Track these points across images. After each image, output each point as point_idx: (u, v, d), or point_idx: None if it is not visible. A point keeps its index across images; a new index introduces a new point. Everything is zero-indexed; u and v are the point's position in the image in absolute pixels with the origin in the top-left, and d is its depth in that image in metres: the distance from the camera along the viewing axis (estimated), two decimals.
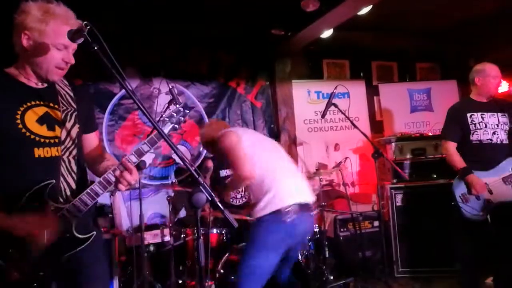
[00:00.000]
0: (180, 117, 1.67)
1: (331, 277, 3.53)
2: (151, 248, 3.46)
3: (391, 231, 4.04)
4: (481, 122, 3.07)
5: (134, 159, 1.56)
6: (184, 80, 4.48)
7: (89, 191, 1.53)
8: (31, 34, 1.53)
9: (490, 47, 4.66)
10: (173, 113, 1.67)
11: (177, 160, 4.22)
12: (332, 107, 3.70)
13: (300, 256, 3.30)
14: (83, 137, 1.74)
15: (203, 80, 4.57)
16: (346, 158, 4.29)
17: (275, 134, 4.90)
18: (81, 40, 1.47)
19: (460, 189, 3.05)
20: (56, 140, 1.59)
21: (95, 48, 1.43)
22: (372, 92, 5.30)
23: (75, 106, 1.68)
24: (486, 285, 3.37)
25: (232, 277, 2.89)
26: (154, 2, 3.65)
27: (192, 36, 4.41)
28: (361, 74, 5.31)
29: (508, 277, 3.02)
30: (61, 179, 1.57)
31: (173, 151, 1.56)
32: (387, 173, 4.44)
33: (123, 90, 3.90)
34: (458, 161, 3.06)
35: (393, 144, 4.31)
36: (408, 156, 4.26)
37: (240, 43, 4.60)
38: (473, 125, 3.08)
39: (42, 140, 1.56)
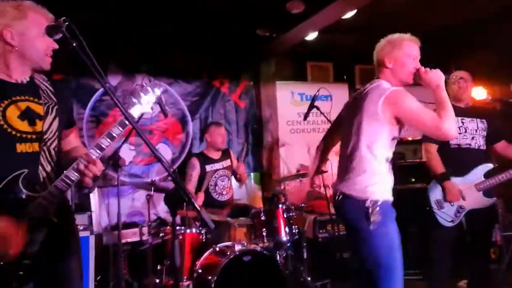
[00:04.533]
0: (151, 102, 1.69)
1: (309, 278, 3.56)
2: (129, 246, 3.43)
3: None
4: (461, 126, 3.07)
5: (95, 153, 1.59)
6: (168, 77, 4.45)
7: (63, 177, 1.57)
8: (14, 30, 1.58)
9: (469, 53, 4.76)
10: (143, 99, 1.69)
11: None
12: (315, 109, 3.74)
13: (278, 257, 3.32)
14: (62, 133, 1.77)
15: (186, 78, 4.55)
16: (326, 160, 4.31)
17: (258, 135, 4.92)
18: (59, 36, 1.48)
19: (435, 194, 3.06)
20: (38, 136, 1.64)
21: (74, 44, 1.43)
22: None
23: (55, 100, 1.73)
24: None
25: (210, 277, 2.88)
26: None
27: (177, 34, 4.38)
28: (344, 77, 5.36)
29: (481, 282, 3.08)
30: (40, 168, 1.62)
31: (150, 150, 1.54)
32: None
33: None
34: (438, 165, 3.05)
35: None
36: None
37: (225, 42, 4.59)
38: None
39: (24, 135, 1.60)
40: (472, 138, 3.07)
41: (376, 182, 2.08)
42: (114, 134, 1.60)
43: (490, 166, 3.01)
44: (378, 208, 2.01)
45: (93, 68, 1.43)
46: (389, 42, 2.24)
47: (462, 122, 3.09)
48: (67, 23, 1.43)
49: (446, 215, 3.00)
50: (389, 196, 2.12)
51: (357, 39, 4.83)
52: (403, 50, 2.21)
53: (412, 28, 4.77)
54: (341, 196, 2.12)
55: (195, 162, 3.95)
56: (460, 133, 3.05)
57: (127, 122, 1.59)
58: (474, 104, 3.21)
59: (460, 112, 3.10)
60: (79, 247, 1.78)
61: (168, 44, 4.41)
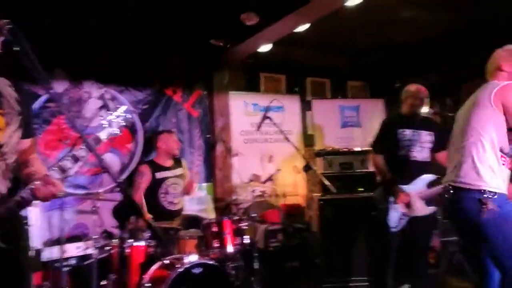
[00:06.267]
0: (121, 122, 1.60)
1: None
2: (72, 261, 3.25)
3: (318, 242, 4.18)
4: (410, 138, 3.23)
5: (56, 175, 1.46)
6: (118, 85, 4.30)
7: (18, 198, 1.44)
8: None
9: (414, 72, 5.06)
10: (112, 119, 1.59)
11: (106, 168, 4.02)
12: (268, 120, 3.79)
13: (229, 268, 3.29)
14: (21, 142, 1.61)
15: (137, 86, 4.42)
16: (278, 170, 4.38)
17: (211, 144, 4.88)
18: (1, 39, 1.38)
19: (381, 200, 3.22)
20: None
21: (16, 48, 1.34)
22: (305, 107, 5.50)
23: (19, 109, 1.56)
24: None
25: None
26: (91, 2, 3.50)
27: (129, 41, 4.27)
28: (296, 89, 5.49)
29: (422, 286, 3.25)
30: None
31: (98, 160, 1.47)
32: (317, 186, 4.60)
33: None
34: (386, 172, 3.23)
35: (323, 157, 4.49)
36: (337, 169, 4.45)
37: (179, 51, 4.54)
38: (403, 141, 3.24)
39: None
40: (419, 150, 3.24)
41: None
42: (79, 157, 1.48)
43: (432, 177, 3.19)
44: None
45: (37, 74, 1.34)
46: (507, 51, 2.36)
47: (412, 134, 3.26)
48: (10, 26, 1.33)
49: (391, 221, 3.15)
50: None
51: (310, 53, 4.99)
52: None
53: (361, 44, 5.03)
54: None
55: (145, 169, 3.82)
56: (408, 145, 3.23)
57: (93, 145, 1.48)
58: (424, 116, 3.39)
59: (411, 123, 3.28)
60: (30, 271, 1.64)
61: (119, 51, 4.28)
